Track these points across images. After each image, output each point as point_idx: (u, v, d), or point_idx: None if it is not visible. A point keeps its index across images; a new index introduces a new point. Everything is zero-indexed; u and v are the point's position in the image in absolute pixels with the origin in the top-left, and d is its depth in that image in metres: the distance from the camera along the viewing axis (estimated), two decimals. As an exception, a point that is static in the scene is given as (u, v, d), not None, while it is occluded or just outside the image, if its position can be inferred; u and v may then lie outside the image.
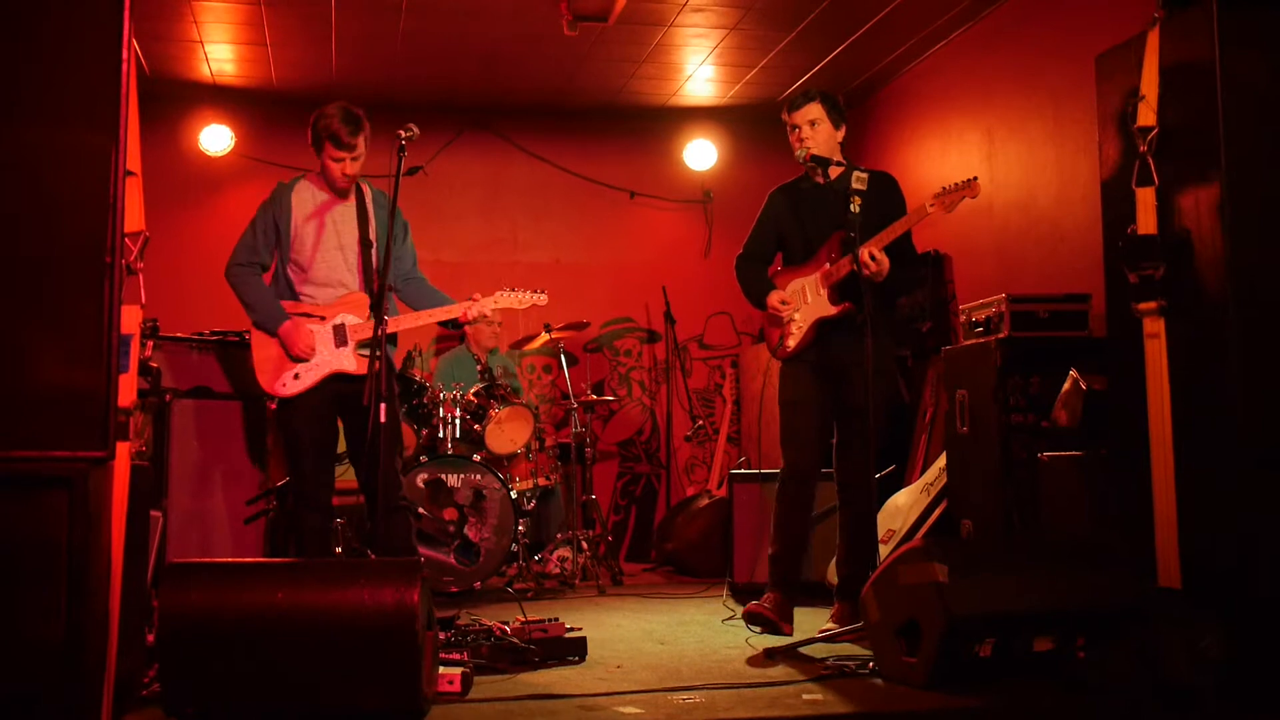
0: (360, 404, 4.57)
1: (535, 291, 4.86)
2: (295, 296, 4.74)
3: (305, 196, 4.78)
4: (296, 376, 4.67)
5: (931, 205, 4.48)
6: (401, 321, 4.74)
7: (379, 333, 4.19)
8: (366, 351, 4.66)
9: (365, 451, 4.60)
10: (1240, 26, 3.69)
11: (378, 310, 4.22)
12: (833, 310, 4.65)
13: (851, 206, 4.46)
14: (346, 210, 4.77)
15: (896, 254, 4.51)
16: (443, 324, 4.83)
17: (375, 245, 4.74)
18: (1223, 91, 3.66)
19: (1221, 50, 3.67)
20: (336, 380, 4.69)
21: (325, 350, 4.68)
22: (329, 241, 4.74)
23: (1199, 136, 3.73)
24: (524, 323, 7.85)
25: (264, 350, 4.71)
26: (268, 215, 4.77)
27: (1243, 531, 3.56)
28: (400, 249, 4.86)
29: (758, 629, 4.55)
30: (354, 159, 4.68)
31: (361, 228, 4.76)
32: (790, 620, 4.62)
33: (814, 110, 4.70)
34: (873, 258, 4.41)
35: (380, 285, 4.26)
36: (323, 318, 4.71)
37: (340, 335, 4.69)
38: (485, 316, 4.77)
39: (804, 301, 4.74)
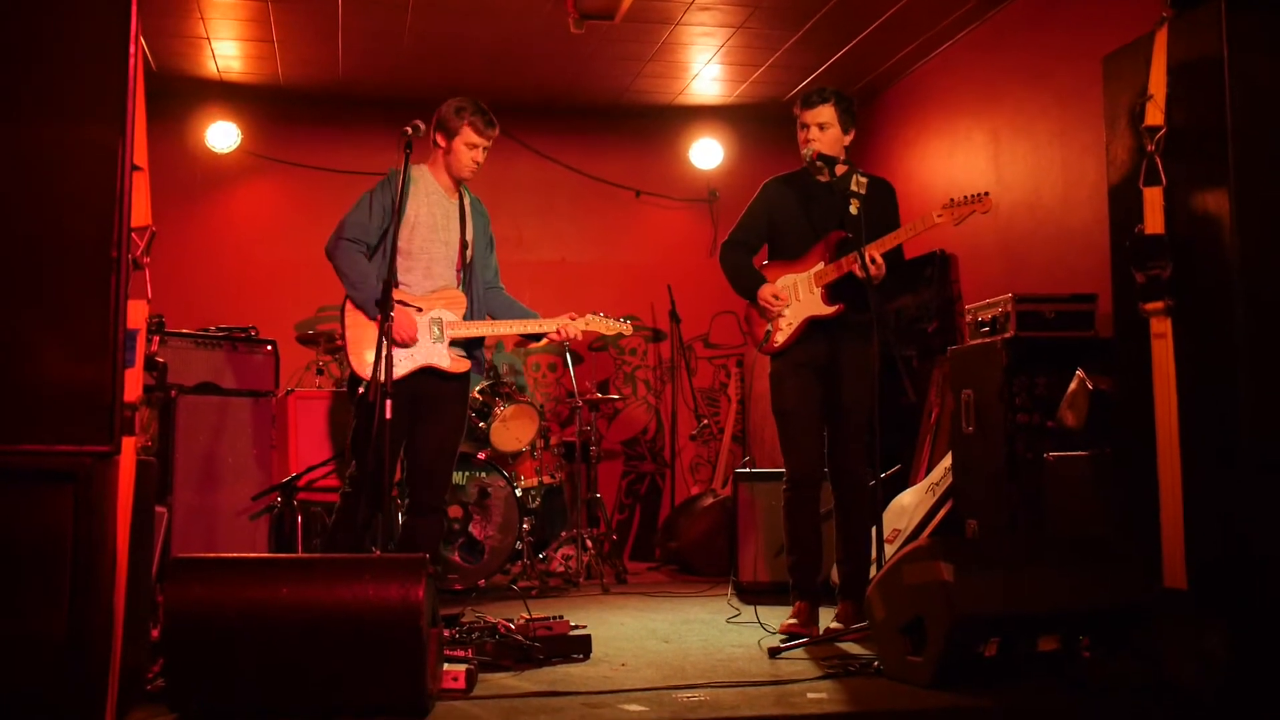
0: (445, 403, 4.62)
1: (623, 319, 4.94)
2: (395, 281, 4.52)
3: (421, 186, 4.73)
4: (393, 364, 4.47)
5: (939, 215, 4.45)
6: (496, 328, 4.77)
7: (384, 334, 4.17)
8: (460, 351, 4.68)
9: (420, 451, 4.64)
10: (1249, 26, 3.67)
11: (384, 306, 4.20)
12: (827, 311, 4.64)
13: (851, 208, 4.45)
14: (452, 207, 4.78)
15: (888, 262, 4.51)
16: (525, 336, 4.86)
17: (470, 247, 4.78)
18: (1231, 91, 3.64)
19: (1230, 50, 3.65)
20: (424, 375, 4.59)
21: (422, 342, 4.61)
22: (437, 233, 4.71)
23: (1207, 136, 3.72)
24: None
25: (358, 330, 4.58)
26: (385, 196, 4.66)
27: (1249, 532, 3.54)
28: (488, 258, 4.90)
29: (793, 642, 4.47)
30: (485, 149, 4.75)
31: (462, 227, 4.78)
32: (816, 624, 4.62)
33: (825, 113, 4.67)
34: (873, 261, 4.40)
35: (385, 286, 4.23)
36: (420, 309, 4.63)
37: (437, 329, 4.63)
38: (576, 339, 4.81)
39: (795, 298, 4.71)
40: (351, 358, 4.58)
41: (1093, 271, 5.18)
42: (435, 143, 4.73)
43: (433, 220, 4.71)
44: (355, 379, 4.58)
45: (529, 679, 3.70)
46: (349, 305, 4.61)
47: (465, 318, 4.70)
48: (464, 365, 4.67)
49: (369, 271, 4.60)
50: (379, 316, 4.30)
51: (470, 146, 4.70)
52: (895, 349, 4.67)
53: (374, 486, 4.44)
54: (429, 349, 4.62)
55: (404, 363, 4.55)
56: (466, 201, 4.84)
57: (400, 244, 4.62)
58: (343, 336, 4.62)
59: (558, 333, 4.76)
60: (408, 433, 4.65)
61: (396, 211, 4.54)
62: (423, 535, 4.63)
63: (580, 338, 4.84)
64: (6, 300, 2.74)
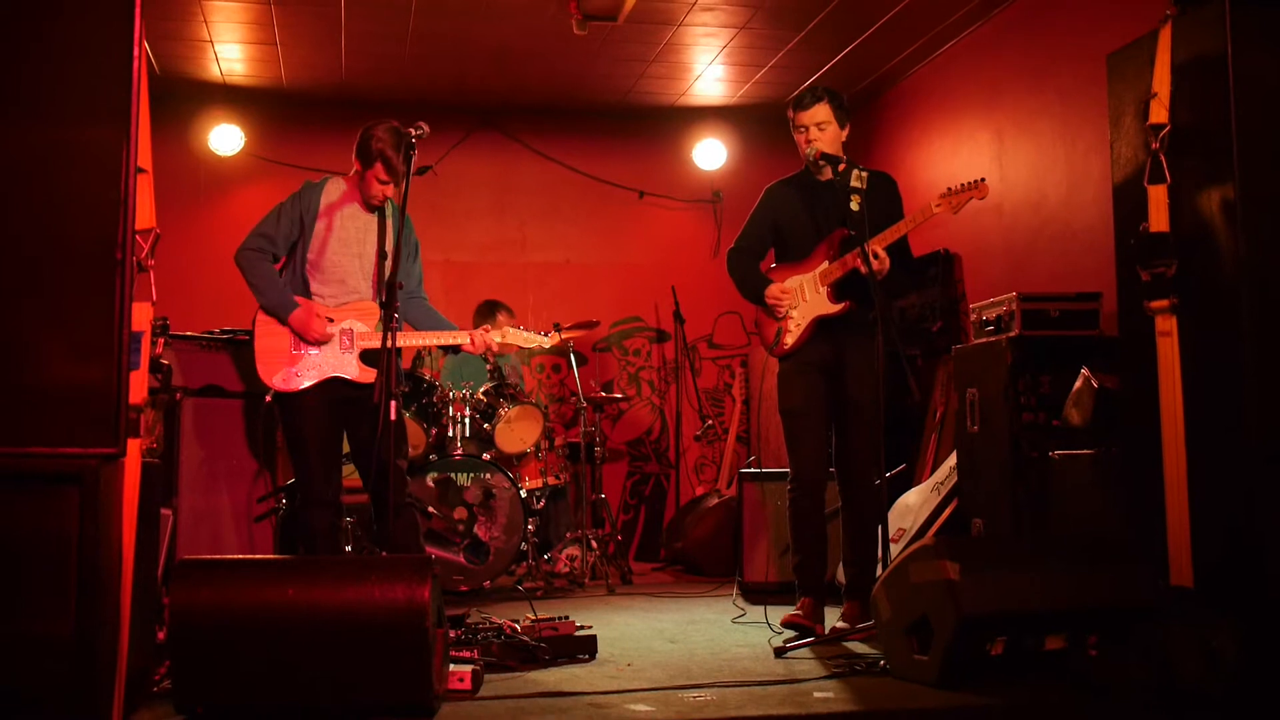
0: (364, 407, 4.57)
1: (542, 333, 4.97)
2: (307, 294, 4.72)
3: (334, 199, 4.77)
4: (297, 374, 4.65)
5: (938, 205, 4.47)
6: (405, 338, 4.72)
7: (388, 332, 4.19)
8: (370, 360, 4.68)
9: (374, 451, 4.60)
10: (1253, 23, 3.67)
11: (388, 310, 4.22)
12: (834, 309, 4.64)
13: (852, 204, 4.45)
14: (370, 220, 4.78)
15: (894, 256, 4.50)
16: (442, 347, 4.88)
17: (390, 257, 4.74)
18: (1235, 88, 3.64)
19: (1234, 47, 3.65)
20: (337, 384, 4.67)
21: (330, 352, 4.67)
22: (350, 246, 4.74)
23: (1211, 134, 3.72)
24: (534, 322, 7.87)
25: (269, 340, 4.68)
26: (294, 209, 4.76)
27: (1256, 530, 3.54)
28: (409, 266, 4.88)
29: (794, 634, 4.46)
30: (396, 184, 4.71)
31: (380, 238, 4.77)
32: (822, 621, 4.61)
33: (822, 112, 4.67)
34: (875, 256, 4.40)
35: (390, 286, 4.26)
36: (331, 319, 4.69)
37: (347, 340, 4.68)
38: (491, 349, 4.80)
39: (802, 299, 4.72)
40: (260, 368, 4.69)
41: (1097, 270, 5.17)
42: (353, 160, 4.75)
43: (345, 234, 4.74)
44: (281, 395, 4.69)
45: (535, 680, 3.70)
46: (260, 314, 4.71)
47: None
48: (370, 375, 4.62)
49: (275, 277, 4.72)
50: (292, 325, 4.61)
51: (380, 182, 4.69)
52: (900, 347, 4.66)
53: (319, 489, 4.63)
54: (337, 359, 4.66)
55: (311, 373, 4.65)
56: (388, 211, 4.82)
57: (311, 256, 4.73)
58: (251, 347, 4.67)
59: (470, 344, 4.76)
60: (341, 441, 4.77)
61: (300, 225, 4.69)
62: (399, 535, 4.63)
63: (497, 349, 4.85)
64: (12, 302, 2.74)
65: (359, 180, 4.75)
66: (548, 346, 4.95)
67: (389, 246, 4.75)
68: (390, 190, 4.71)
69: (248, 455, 5.70)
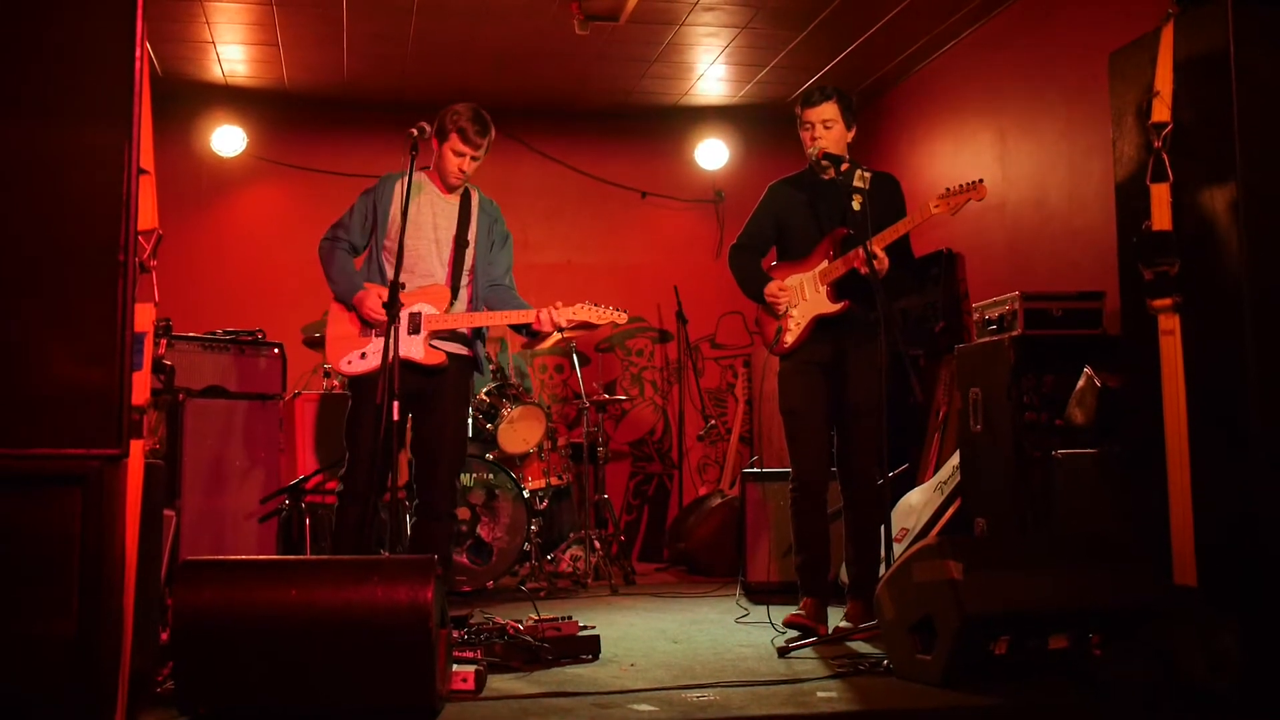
0: (430, 402, 4.57)
1: (616, 308, 4.75)
2: (385, 281, 4.64)
3: (416, 185, 4.77)
4: (363, 356, 4.62)
5: (935, 206, 4.47)
6: (475, 319, 4.70)
7: (390, 331, 4.20)
8: (439, 343, 4.67)
9: (393, 450, 4.59)
10: (1255, 21, 3.66)
11: (391, 309, 4.22)
12: (833, 308, 4.64)
13: (853, 204, 4.45)
14: (448, 206, 4.80)
15: (895, 256, 4.50)
16: (516, 329, 4.81)
17: (471, 246, 4.78)
18: (1238, 87, 3.63)
19: (1236, 45, 3.64)
20: (405, 370, 4.54)
21: (399, 335, 4.58)
22: (424, 231, 4.74)
23: (1214, 132, 3.71)
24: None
25: (338, 327, 4.70)
26: (368, 200, 4.80)
27: (1259, 529, 3.53)
28: (494, 255, 4.88)
29: (796, 634, 4.46)
30: (473, 159, 4.75)
31: (461, 227, 4.78)
32: (825, 621, 4.61)
33: (829, 110, 4.69)
34: (874, 256, 4.39)
35: (394, 283, 4.27)
36: (402, 304, 4.64)
37: (414, 323, 4.63)
38: (560, 327, 4.71)
39: (801, 298, 4.72)
40: (329, 353, 4.72)
41: (1100, 269, 5.17)
42: (431, 145, 4.77)
43: (419, 219, 4.74)
44: (350, 380, 4.70)
45: (538, 680, 3.70)
46: (331, 304, 4.74)
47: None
48: (438, 357, 4.62)
49: (346, 266, 4.76)
50: (355, 306, 4.62)
51: (456, 154, 4.72)
52: (903, 347, 4.64)
53: (363, 485, 4.52)
54: (404, 341, 4.58)
55: (376, 355, 4.57)
56: (474, 201, 4.85)
57: (387, 243, 4.73)
58: (323, 334, 4.72)
59: (538, 321, 4.66)
60: (403, 435, 4.71)
61: (374, 215, 4.73)
62: (431, 540, 4.62)
63: (565, 326, 4.68)
64: (14, 303, 2.74)
65: (437, 161, 4.78)
66: (621, 322, 4.77)
67: (470, 236, 4.79)
68: (468, 165, 4.73)
69: (250, 456, 5.71)
